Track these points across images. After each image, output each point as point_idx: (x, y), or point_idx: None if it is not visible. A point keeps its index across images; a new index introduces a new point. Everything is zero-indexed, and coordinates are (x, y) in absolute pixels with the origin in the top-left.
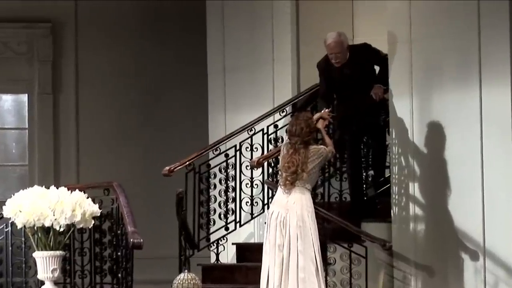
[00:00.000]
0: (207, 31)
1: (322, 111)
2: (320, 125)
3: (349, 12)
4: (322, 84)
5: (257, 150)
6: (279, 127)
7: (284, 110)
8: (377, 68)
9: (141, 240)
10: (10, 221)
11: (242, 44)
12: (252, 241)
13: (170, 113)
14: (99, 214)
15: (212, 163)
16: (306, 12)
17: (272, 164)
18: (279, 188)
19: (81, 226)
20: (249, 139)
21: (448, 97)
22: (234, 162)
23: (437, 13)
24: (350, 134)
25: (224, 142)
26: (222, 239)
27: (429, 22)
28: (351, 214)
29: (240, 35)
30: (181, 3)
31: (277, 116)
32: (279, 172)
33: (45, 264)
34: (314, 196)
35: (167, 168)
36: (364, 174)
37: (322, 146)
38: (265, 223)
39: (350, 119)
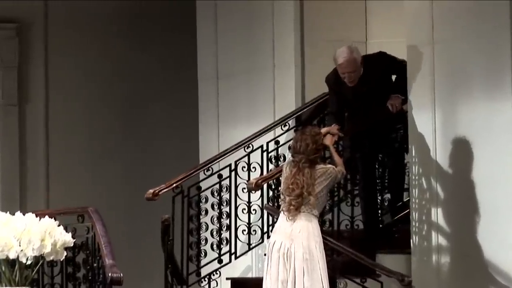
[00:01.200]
0: (197, 31)
1: (331, 126)
2: (328, 141)
3: (362, 11)
4: (332, 101)
5: (255, 170)
6: (281, 143)
7: (287, 124)
8: (393, 77)
9: (121, 275)
10: None
11: (238, 47)
12: (249, 275)
13: (154, 127)
14: (72, 245)
15: (203, 185)
16: (312, 10)
17: (273, 186)
18: (281, 214)
19: (51, 258)
20: (246, 157)
21: (476, 108)
22: (228, 184)
23: (463, 11)
24: (363, 152)
25: (217, 160)
26: (214, 273)
27: (454, 22)
28: (364, 244)
29: (236, 36)
30: (167, 1)
31: (278, 130)
32: (281, 196)
33: None
34: (321, 223)
35: (151, 191)
36: (379, 198)
37: (330, 165)
38: (265, 255)
39: (363, 134)
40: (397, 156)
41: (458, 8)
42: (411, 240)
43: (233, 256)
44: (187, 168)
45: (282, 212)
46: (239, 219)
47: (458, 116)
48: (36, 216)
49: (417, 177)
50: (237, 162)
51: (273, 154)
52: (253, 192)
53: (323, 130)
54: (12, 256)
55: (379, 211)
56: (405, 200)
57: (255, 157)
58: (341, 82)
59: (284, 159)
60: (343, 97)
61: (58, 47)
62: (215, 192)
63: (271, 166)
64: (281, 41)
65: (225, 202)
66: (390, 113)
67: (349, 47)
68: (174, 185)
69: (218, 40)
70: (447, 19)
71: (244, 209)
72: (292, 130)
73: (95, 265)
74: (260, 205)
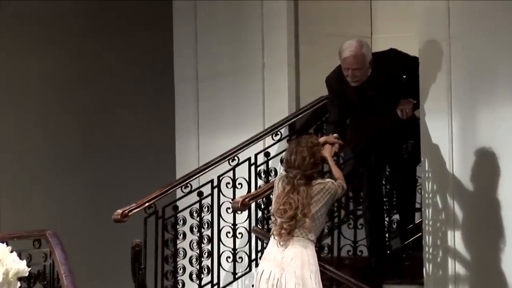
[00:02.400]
0: (173, 27)
1: (329, 135)
2: (327, 152)
3: (366, 2)
4: (333, 108)
5: (241, 186)
6: (272, 155)
7: (279, 133)
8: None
9: None
10: None
11: (221, 44)
12: None
13: (123, 137)
14: (27, 274)
15: (181, 204)
16: (308, 2)
17: (263, 206)
18: (271, 239)
19: None
20: (231, 171)
21: (500, 114)
22: (210, 203)
23: (483, 3)
24: (368, 165)
25: (197, 175)
26: None
27: (474, 14)
28: (369, 273)
29: (219, 32)
30: None
31: (268, 140)
32: (272, 217)
33: None
34: (319, 249)
35: (119, 211)
36: (387, 219)
37: (329, 179)
38: (252, 286)
39: (368, 144)
40: (408, 170)
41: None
42: (424, 269)
43: (215, 287)
44: (162, 185)
45: (272, 236)
46: (223, 244)
47: (479, 122)
48: None
49: (430, 195)
50: (221, 178)
51: (262, 168)
52: (239, 212)
53: (321, 139)
54: None
55: (387, 235)
56: (416, 221)
57: (242, 171)
58: (345, 83)
59: (276, 174)
60: (346, 101)
61: (9, 45)
62: (194, 212)
63: (260, 182)
64: (272, 36)
65: (206, 224)
66: (400, 120)
67: (358, 40)
68: (147, 204)
69: (198, 36)
70: (465, 11)
71: (229, 232)
72: (285, 140)
73: None
74: (247, 228)
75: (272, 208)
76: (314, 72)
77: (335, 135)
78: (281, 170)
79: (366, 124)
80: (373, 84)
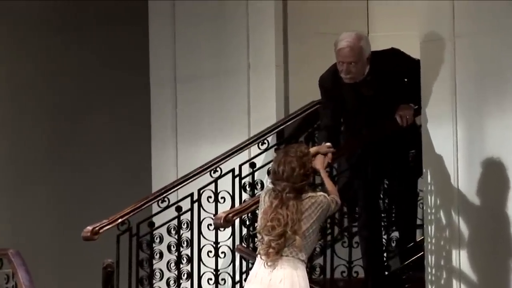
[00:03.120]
0: (149, 23)
1: (321, 145)
2: (319, 163)
3: None
4: (326, 112)
5: (224, 201)
6: (258, 166)
7: (265, 142)
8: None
9: None
10: None
11: (203, 43)
12: None
13: (94, 145)
14: None
15: (157, 220)
16: None
17: (248, 223)
18: (258, 259)
19: None
20: (213, 184)
21: (510, 121)
22: (190, 219)
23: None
24: (364, 177)
25: (175, 189)
26: None
27: (481, 11)
28: None
29: (200, 29)
30: None
31: (254, 150)
32: (258, 235)
33: None
34: (310, 270)
35: (90, 228)
36: (385, 236)
37: (321, 193)
38: None
39: (364, 154)
40: (408, 183)
41: None
42: None
43: None
44: (136, 199)
45: (259, 256)
46: (204, 264)
47: (486, 130)
48: None
49: (433, 210)
50: (201, 191)
51: (247, 180)
52: (222, 229)
53: (312, 150)
54: None
55: (385, 254)
56: (418, 239)
57: (225, 184)
58: (341, 82)
59: (262, 187)
60: (341, 104)
61: None
62: (172, 229)
63: (245, 196)
64: (258, 34)
65: (185, 243)
66: (399, 127)
67: (357, 32)
68: (120, 220)
69: (176, 34)
70: (472, 7)
71: (210, 251)
72: (273, 150)
73: None
74: (231, 247)
75: (258, 224)
76: (305, 74)
77: (327, 144)
78: (267, 182)
79: (363, 131)
80: (372, 84)
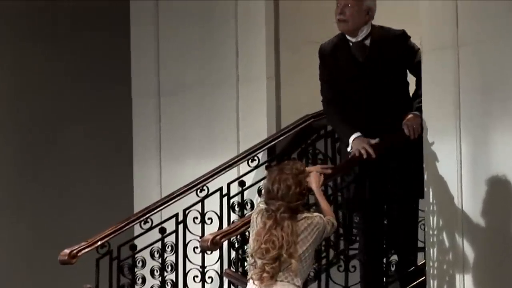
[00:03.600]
0: (131, 31)
1: (315, 166)
2: (313, 182)
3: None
4: (324, 85)
5: (211, 222)
6: (248, 185)
7: (256, 158)
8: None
9: None
10: None
11: (188, 53)
12: None
13: (71, 162)
14: None
15: (140, 243)
16: (290, 6)
17: (237, 245)
18: (250, 284)
19: None
20: (199, 204)
21: None
22: (174, 241)
23: (499, 2)
24: (363, 196)
25: (159, 209)
26: None
27: (488, 17)
28: None
29: (185, 39)
30: None
31: (244, 167)
32: (250, 258)
33: None
34: None
35: (67, 251)
36: (384, 260)
37: (316, 213)
38: None
39: (363, 170)
40: (408, 202)
41: (489, 1)
42: None
43: None
44: (117, 220)
45: (251, 281)
46: None
47: (493, 146)
48: None
49: (435, 232)
50: (187, 211)
51: (236, 199)
52: (209, 252)
53: (307, 169)
54: None
55: (384, 279)
56: (419, 263)
57: (212, 204)
58: (341, 52)
59: (252, 207)
60: (338, 75)
61: None
62: (155, 252)
63: (233, 217)
64: (248, 43)
65: (170, 267)
66: (407, 138)
67: None
68: (99, 243)
69: (160, 44)
70: (477, 13)
71: (197, 276)
72: (263, 167)
73: None
74: (219, 271)
75: (250, 247)
76: (298, 86)
77: (322, 166)
78: (258, 202)
79: (361, 109)
80: (368, 51)
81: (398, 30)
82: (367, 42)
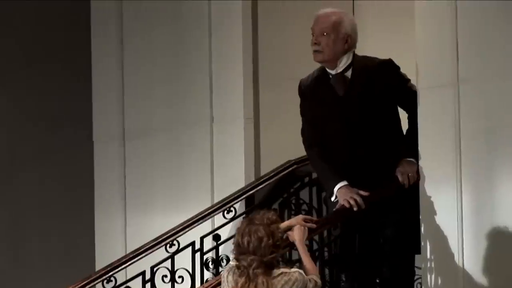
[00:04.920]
0: (92, 69)
1: (297, 217)
2: (296, 235)
3: None
4: (305, 124)
5: (182, 280)
6: (223, 239)
7: (232, 209)
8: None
9: None
10: None
11: (157, 91)
12: None
13: (23, 215)
14: None
15: None
16: (269, 39)
17: None
18: None
19: None
20: (169, 260)
21: None
22: None
23: (502, 37)
24: (351, 251)
25: (124, 266)
26: None
27: (490, 53)
28: None
29: (154, 74)
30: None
31: (219, 219)
32: None
33: None
34: None
35: None
36: None
37: (295, 269)
38: None
39: (352, 221)
40: (402, 258)
41: (497, 29)
42: None
43: None
44: (77, 279)
45: None
46: None
47: (496, 196)
48: None
49: None
50: (155, 269)
51: (210, 255)
52: None
53: (285, 223)
54: None
55: None
56: None
57: (183, 260)
58: (321, 86)
59: (228, 263)
60: (318, 112)
61: None
62: None
63: (207, 275)
64: (224, 81)
65: None
66: (400, 186)
67: (335, 9)
68: None
69: (124, 82)
70: (478, 49)
71: None
72: (240, 219)
73: None
74: None
75: None
76: (280, 128)
77: (305, 216)
78: (232, 258)
79: (346, 155)
80: (349, 84)
81: (385, 59)
82: (348, 73)
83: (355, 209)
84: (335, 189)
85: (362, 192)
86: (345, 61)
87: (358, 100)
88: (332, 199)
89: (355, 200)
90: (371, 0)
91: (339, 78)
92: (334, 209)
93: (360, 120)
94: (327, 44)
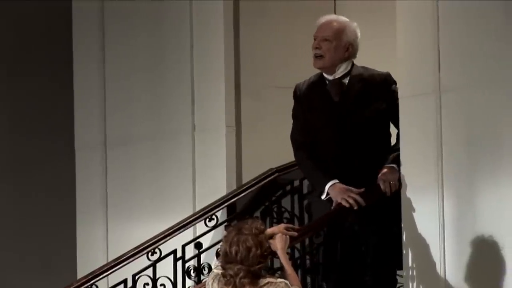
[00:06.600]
0: (74, 77)
1: (279, 225)
2: (279, 244)
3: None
4: (296, 124)
5: None
6: (205, 247)
7: (214, 217)
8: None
9: None
10: None
11: (139, 100)
12: None
13: (5, 222)
14: None
15: None
16: (251, 48)
17: None
18: None
19: None
20: (151, 268)
21: (507, 193)
22: None
23: (486, 45)
24: (333, 259)
25: (105, 274)
26: None
27: (473, 61)
28: None
29: (136, 82)
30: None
31: (201, 227)
32: None
33: None
34: None
35: None
36: None
37: (281, 279)
38: None
39: (334, 230)
40: (385, 266)
41: (482, 36)
42: None
43: None
44: (59, 287)
45: None
46: None
47: (478, 204)
48: None
49: None
50: (137, 277)
51: (192, 263)
52: None
53: (268, 231)
54: None
55: None
56: None
57: (165, 268)
58: (316, 90)
59: (210, 271)
60: (311, 116)
61: None
62: None
63: (189, 283)
64: (205, 89)
65: None
66: (382, 194)
67: (339, 16)
68: None
69: (106, 91)
70: (461, 57)
71: None
72: (222, 227)
73: None
74: None
75: None
76: (261, 136)
77: (287, 225)
78: (216, 266)
79: (335, 161)
80: (352, 94)
81: (383, 73)
82: (345, 80)
83: (355, 208)
84: (327, 186)
85: (355, 190)
86: (343, 68)
87: (352, 106)
88: (323, 197)
89: (354, 199)
90: (352, 0)
91: (335, 84)
92: (332, 208)
93: (352, 126)
94: (328, 49)
